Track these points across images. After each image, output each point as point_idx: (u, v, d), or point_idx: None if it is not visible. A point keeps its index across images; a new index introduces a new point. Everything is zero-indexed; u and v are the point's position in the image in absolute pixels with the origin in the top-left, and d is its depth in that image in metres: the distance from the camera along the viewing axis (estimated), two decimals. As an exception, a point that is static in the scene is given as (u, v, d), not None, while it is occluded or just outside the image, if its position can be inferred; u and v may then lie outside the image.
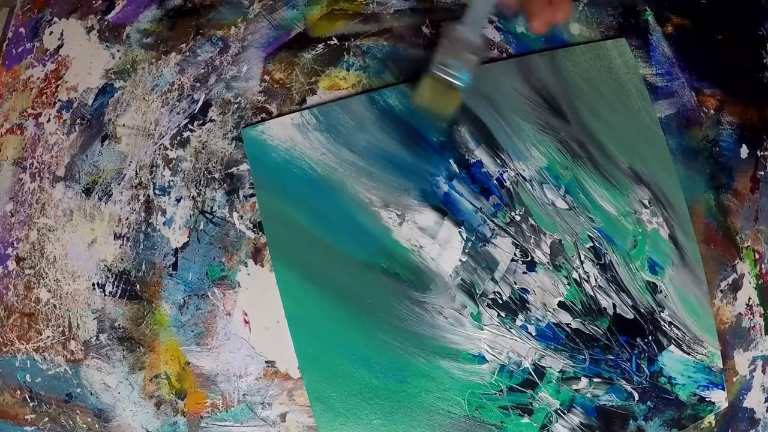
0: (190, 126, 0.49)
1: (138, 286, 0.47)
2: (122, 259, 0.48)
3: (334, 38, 0.50)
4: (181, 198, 0.48)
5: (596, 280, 0.50)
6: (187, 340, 0.47)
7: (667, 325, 0.51)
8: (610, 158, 0.51)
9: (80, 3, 0.53)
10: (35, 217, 0.49)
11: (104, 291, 0.48)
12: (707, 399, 0.51)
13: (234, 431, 0.47)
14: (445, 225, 0.48)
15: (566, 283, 0.50)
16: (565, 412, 0.49)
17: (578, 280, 0.50)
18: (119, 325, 0.47)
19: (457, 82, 0.42)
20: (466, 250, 0.48)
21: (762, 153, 0.55)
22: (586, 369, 0.49)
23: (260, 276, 0.47)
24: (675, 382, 0.51)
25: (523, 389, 0.48)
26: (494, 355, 0.48)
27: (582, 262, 0.50)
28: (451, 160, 0.49)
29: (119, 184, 0.48)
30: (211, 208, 0.48)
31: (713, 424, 0.52)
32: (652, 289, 0.51)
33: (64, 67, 0.51)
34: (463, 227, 0.48)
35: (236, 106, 0.49)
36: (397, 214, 0.48)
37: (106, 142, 0.49)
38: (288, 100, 0.49)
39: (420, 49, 0.51)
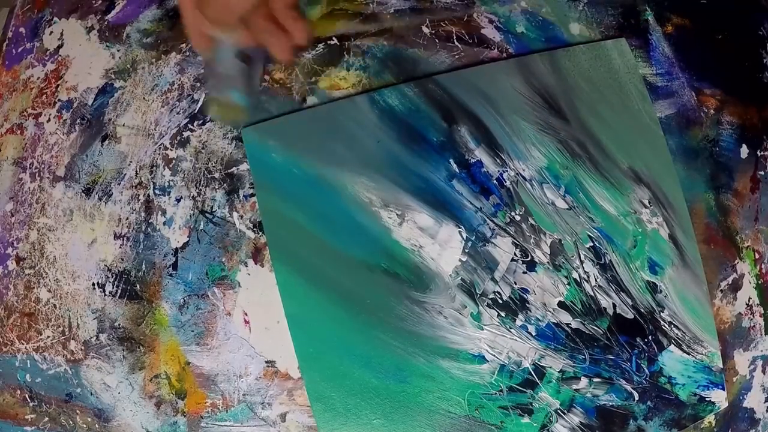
0: (190, 126, 0.49)
1: (138, 286, 0.47)
2: (122, 259, 0.48)
3: (334, 38, 0.50)
4: (181, 198, 0.48)
5: (596, 280, 0.50)
6: (187, 340, 0.47)
7: (667, 325, 0.51)
8: (610, 158, 0.51)
9: (80, 3, 0.53)
10: (35, 217, 0.49)
11: (104, 291, 0.48)
12: (707, 399, 0.51)
13: (234, 431, 0.47)
14: (445, 225, 0.48)
15: (566, 282, 0.50)
16: (565, 411, 0.49)
17: (578, 279, 0.50)
18: (119, 325, 0.47)
19: (232, 101, 0.46)
20: (466, 250, 0.48)
21: (762, 153, 0.55)
22: (586, 369, 0.49)
23: (260, 276, 0.47)
24: (675, 382, 0.51)
25: (523, 389, 0.48)
26: (494, 355, 0.48)
27: (582, 262, 0.50)
28: (451, 160, 0.49)
29: (119, 184, 0.48)
30: (211, 208, 0.48)
31: (713, 424, 0.52)
32: (652, 289, 0.51)
33: (64, 67, 0.51)
34: (463, 227, 0.48)
35: (236, 106, 0.49)
36: (397, 214, 0.48)
37: (106, 142, 0.49)
38: (288, 100, 0.49)
39: (420, 49, 0.51)
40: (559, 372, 0.49)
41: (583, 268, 0.50)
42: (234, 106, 0.46)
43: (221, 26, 0.41)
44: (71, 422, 0.48)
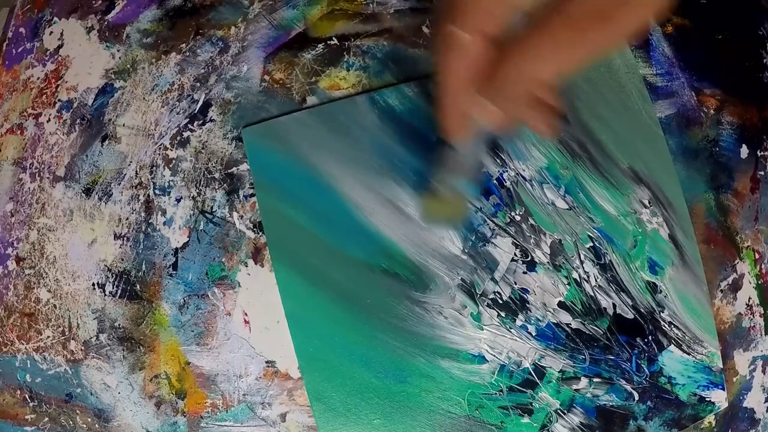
0: (190, 126, 0.49)
1: (138, 286, 0.47)
2: (122, 259, 0.48)
3: (334, 38, 0.50)
4: (181, 198, 0.48)
5: (596, 280, 0.50)
6: (187, 340, 0.47)
7: (667, 325, 0.51)
8: (610, 158, 0.51)
9: (80, 3, 0.53)
10: (35, 217, 0.49)
11: (104, 291, 0.48)
12: (707, 399, 0.51)
13: (234, 431, 0.47)
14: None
15: (566, 283, 0.50)
16: (565, 412, 0.49)
17: (578, 280, 0.50)
18: (119, 325, 0.47)
19: (458, 191, 0.45)
20: (466, 250, 0.48)
21: (762, 153, 0.55)
22: (586, 369, 0.49)
23: (260, 276, 0.47)
24: (675, 382, 0.51)
25: (523, 389, 0.48)
26: (494, 355, 0.48)
27: (582, 262, 0.50)
28: (451, 160, 0.49)
29: (119, 184, 0.48)
30: (211, 208, 0.48)
31: (713, 424, 0.52)
32: (652, 289, 0.51)
33: (64, 67, 0.51)
34: (463, 227, 0.48)
35: (236, 106, 0.49)
36: (397, 214, 0.48)
37: (106, 142, 0.49)
38: (288, 100, 0.49)
39: (420, 49, 0.51)
40: (559, 372, 0.49)
41: (583, 268, 0.50)
42: (457, 196, 0.43)
43: (502, 108, 0.35)
44: (71, 422, 0.48)
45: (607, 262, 0.50)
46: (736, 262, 0.53)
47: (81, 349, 0.48)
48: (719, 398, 0.52)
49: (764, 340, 0.53)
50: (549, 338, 0.49)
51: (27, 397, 0.48)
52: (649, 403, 0.50)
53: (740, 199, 0.54)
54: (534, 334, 0.49)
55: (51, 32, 0.53)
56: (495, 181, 0.50)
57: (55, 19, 0.53)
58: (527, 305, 0.49)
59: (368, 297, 0.47)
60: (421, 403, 0.47)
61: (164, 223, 0.48)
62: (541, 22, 0.31)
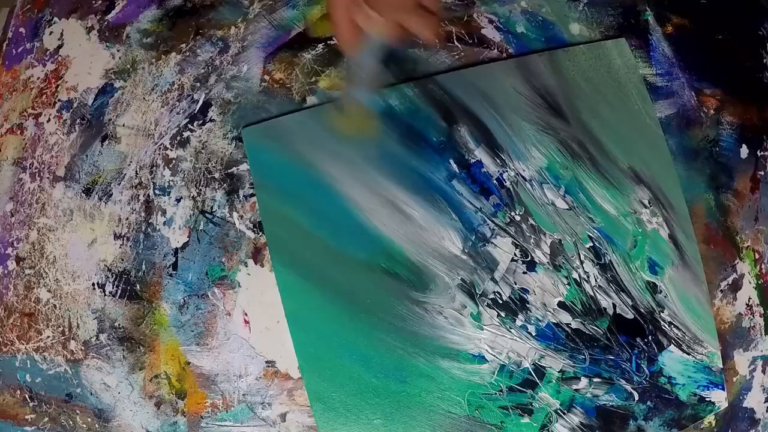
0: (190, 126, 0.49)
1: (138, 286, 0.47)
2: (122, 259, 0.48)
3: (334, 38, 0.50)
4: (181, 198, 0.48)
5: (596, 280, 0.50)
6: (187, 340, 0.47)
7: (667, 325, 0.51)
8: (610, 158, 0.51)
9: (80, 3, 0.53)
10: (35, 217, 0.49)
11: (104, 291, 0.48)
12: (707, 399, 0.51)
13: (234, 431, 0.47)
14: (445, 225, 0.48)
15: (566, 283, 0.50)
16: (565, 412, 0.49)
17: (578, 280, 0.50)
18: (119, 325, 0.47)
19: (362, 103, 0.45)
20: (466, 250, 0.48)
21: (762, 153, 0.55)
22: (586, 369, 0.49)
23: (260, 276, 0.47)
24: (675, 382, 0.51)
25: (523, 389, 0.48)
26: (494, 355, 0.48)
27: (582, 262, 0.50)
28: (451, 160, 0.49)
29: (119, 184, 0.48)
30: (211, 208, 0.48)
31: (713, 424, 0.52)
32: (652, 289, 0.51)
33: (64, 67, 0.51)
34: (463, 227, 0.48)
35: (236, 106, 0.49)
36: (396, 214, 0.48)
37: (106, 142, 0.49)
38: (288, 100, 0.49)
39: (420, 49, 0.51)
40: (559, 372, 0.49)
41: (583, 268, 0.50)
42: (364, 110, 0.44)
43: (382, 15, 0.37)
44: (71, 422, 0.48)
45: (607, 262, 0.50)
46: (736, 262, 0.53)
47: (81, 349, 0.48)
48: (719, 398, 0.52)
49: (764, 340, 0.53)
50: (549, 338, 0.49)
51: (27, 397, 0.48)
52: (649, 403, 0.50)
53: (740, 199, 0.54)
54: (534, 334, 0.49)
55: (51, 32, 0.53)
56: (495, 181, 0.50)
57: (55, 19, 0.53)
58: (527, 305, 0.49)
59: (368, 297, 0.47)
60: (421, 403, 0.47)
61: (164, 223, 0.48)
62: None
